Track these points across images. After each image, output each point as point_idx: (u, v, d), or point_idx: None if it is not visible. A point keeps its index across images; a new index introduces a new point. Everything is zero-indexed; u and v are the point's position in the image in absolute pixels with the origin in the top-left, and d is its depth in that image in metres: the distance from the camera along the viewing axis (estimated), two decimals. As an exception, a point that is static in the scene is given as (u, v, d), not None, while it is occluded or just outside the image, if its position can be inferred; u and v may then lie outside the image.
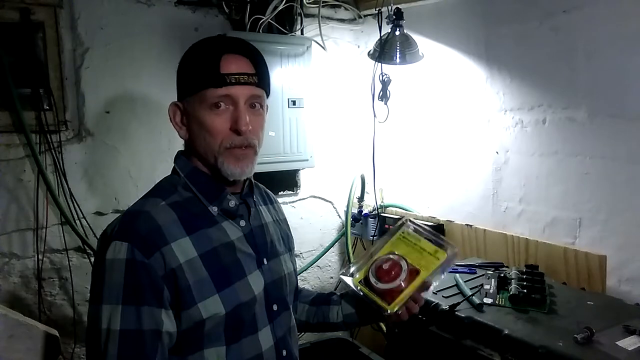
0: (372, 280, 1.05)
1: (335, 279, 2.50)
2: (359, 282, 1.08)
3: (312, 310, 1.23)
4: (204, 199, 0.97)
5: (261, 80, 0.98)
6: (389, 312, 1.01)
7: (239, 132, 0.94)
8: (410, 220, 1.15)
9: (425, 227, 1.13)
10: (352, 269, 1.12)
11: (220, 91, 0.93)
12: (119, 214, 1.84)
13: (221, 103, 0.94)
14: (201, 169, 0.99)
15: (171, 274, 0.88)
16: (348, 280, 1.10)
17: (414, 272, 1.04)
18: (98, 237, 1.77)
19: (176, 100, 1.01)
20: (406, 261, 1.05)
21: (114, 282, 0.85)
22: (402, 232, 1.12)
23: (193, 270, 0.90)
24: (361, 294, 1.06)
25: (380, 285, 1.03)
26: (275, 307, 1.03)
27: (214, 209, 0.98)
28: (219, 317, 0.91)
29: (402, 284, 1.02)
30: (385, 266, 1.05)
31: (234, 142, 0.95)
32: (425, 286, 1.04)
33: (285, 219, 1.22)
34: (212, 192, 0.98)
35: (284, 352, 1.04)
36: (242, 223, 1.01)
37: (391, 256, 1.07)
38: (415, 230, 1.12)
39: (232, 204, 0.99)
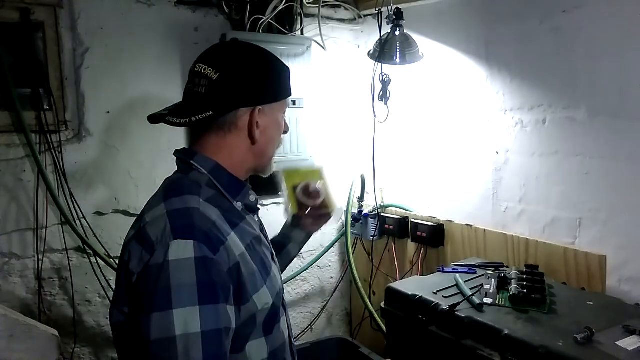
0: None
1: (336, 279, 2.49)
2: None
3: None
4: (228, 195, 0.98)
5: None
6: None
7: (285, 132, 1.09)
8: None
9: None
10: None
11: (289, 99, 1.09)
12: (119, 214, 1.89)
13: None
14: (223, 165, 0.98)
15: (234, 268, 0.86)
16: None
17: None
18: (97, 238, 1.82)
19: (247, 104, 0.98)
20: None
21: (183, 284, 0.80)
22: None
23: (246, 263, 0.90)
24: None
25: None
26: (284, 296, 1.06)
27: (239, 205, 0.99)
28: (267, 307, 0.92)
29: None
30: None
31: (281, 141, 1.09)
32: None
33: None
34: (236, 188, 1.00)
35: (291, 338, 1.08)
36: (257, 217, 1.06)
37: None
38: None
39: (252, 198, 1.02)
